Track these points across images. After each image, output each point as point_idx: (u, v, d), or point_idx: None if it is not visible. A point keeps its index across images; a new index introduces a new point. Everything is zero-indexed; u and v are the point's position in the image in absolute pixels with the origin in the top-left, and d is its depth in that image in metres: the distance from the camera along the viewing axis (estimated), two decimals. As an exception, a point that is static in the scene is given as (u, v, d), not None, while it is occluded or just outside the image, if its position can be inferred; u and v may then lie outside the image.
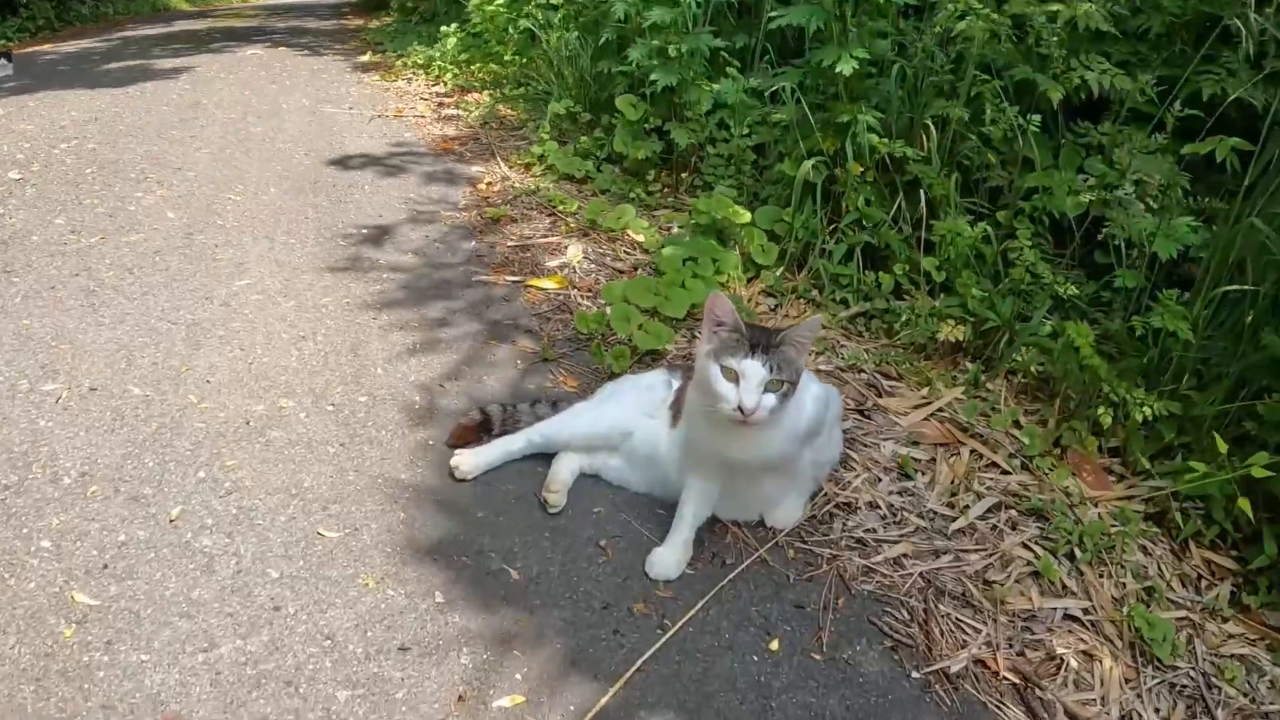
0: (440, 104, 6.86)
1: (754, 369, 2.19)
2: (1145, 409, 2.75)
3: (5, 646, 2.11)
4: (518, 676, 2.10)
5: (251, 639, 2.15)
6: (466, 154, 5.70)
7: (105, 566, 2.35)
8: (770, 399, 2.20)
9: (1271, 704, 2.26)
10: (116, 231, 4.21)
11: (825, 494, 2.69)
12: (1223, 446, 2.47)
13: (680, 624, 2.26)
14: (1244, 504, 2.46)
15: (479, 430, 2.89)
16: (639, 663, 2.16)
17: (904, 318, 3.36)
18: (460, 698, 2.03)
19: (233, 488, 2.66)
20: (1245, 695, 2.29)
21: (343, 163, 5.47)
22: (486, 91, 6.75)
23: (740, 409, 2.18)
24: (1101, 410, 2.83)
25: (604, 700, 2.05)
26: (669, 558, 2.46)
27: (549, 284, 3.77)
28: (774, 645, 2.25)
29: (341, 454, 2.77)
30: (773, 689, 2.12)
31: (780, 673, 2.17)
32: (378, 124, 6.40)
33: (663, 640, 2.22)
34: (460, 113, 6.55)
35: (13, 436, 2.80)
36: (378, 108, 6.81)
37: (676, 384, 2.74)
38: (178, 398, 3.04)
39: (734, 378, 2.19)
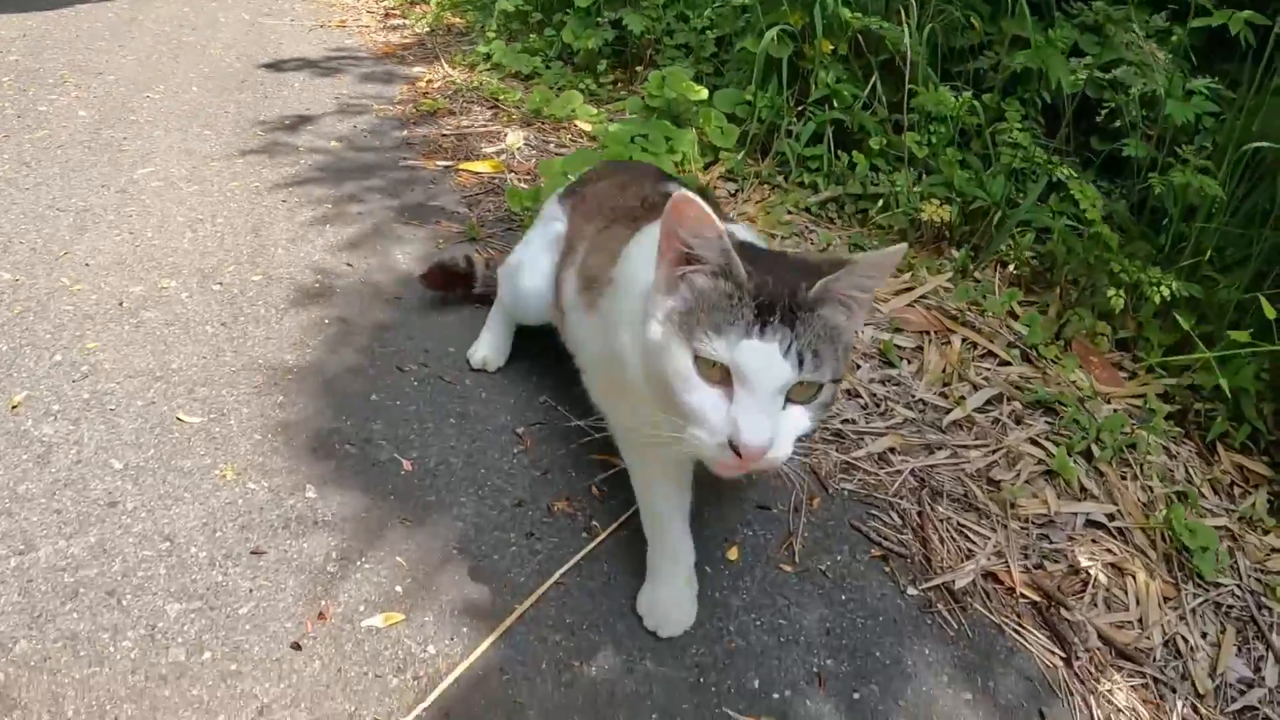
0: (387, 16, 6.20)
1: (767, 360, 1.10)
2: (1163, 289, 2.19)
3: None
4: (398, 589, 1.52)
5: (76, 540, 1.64)
6: (409, 58, 5.07)
7: None
8: (799, 419, 1.16)
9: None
10: (21, 130, 3.61)
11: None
12: (1270, 311, 1.91)
13: (612, 528, 1.69)
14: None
15: (457, 278, 2.37)
16: (558, 574, 1.59)
17: (882, 201, 2.75)
18: (321, 614, 1.45)
19: (89, 371, 2.13)
20: None
21: (275, 66, 4.84)
22: (435, 1, 6.07)
23: (734, 445, 1.11)
24: (1112, 294, 2.26)
25: (509, 620, 1.46)
26: (673, 608, 1.58)
27: (483, 168, 3.17)
28: (732, 554, 1.70)
29: (220, 334, 2.19)
30: (731, 608, 1.55)
31: (741, 587, 1.61)
32: (319, 33, 5.76)
33: (589, 547, 1.64)
34: (407, 22, 5.88)
35: None
36: (320, 19, 6.12)
37: (562, 228, 1.91)
38: (49, 281, 2.50)
39: (721, 377, 1.13)
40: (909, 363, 2.26)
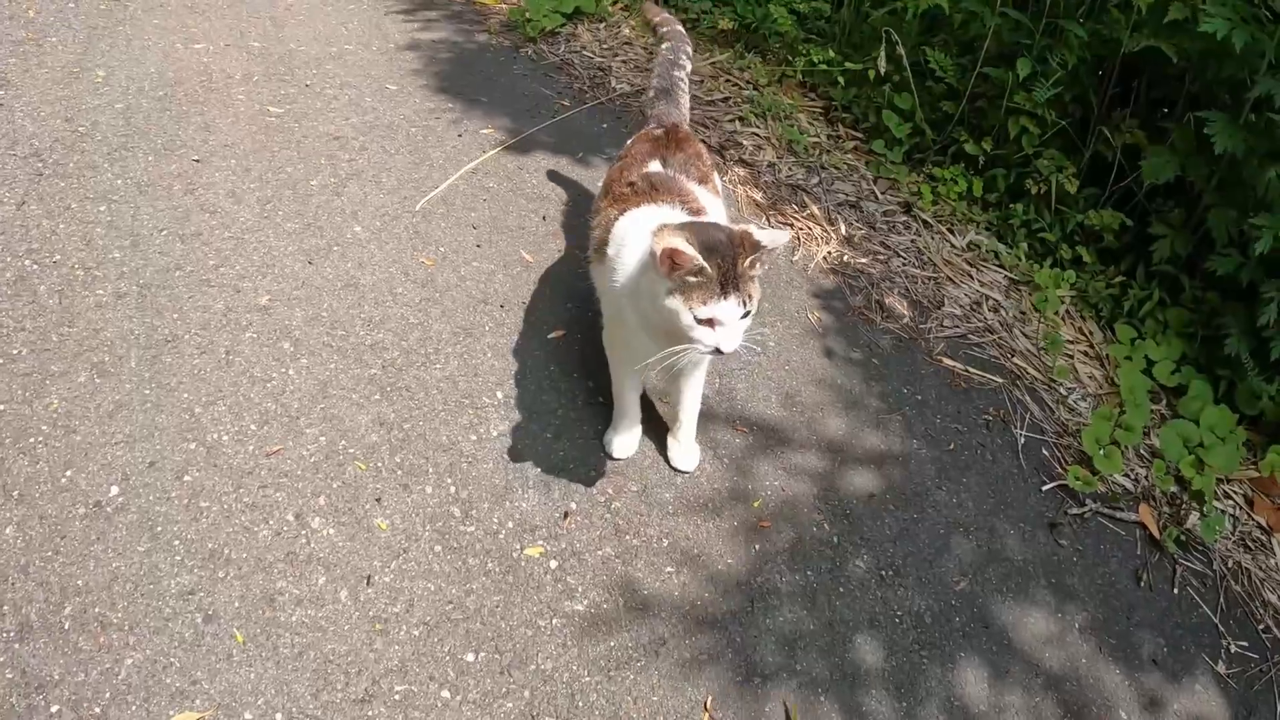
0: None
1: (732, 311, 2.04)
2: (815, 56, 5.25)
3: (228, 118, 4.53)
4: (490, 128, 4.65)
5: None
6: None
7: (284, 76, 4.74)
8: (745, 325, 2.09)
9: (864, 188, 4.68)
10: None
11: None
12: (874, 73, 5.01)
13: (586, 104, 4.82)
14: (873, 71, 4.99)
15: None
16: (549, 122, 4.72)
17: (693, 15, 5.79)
18: (456, 129, 4.57)
19: (333, 65, 4.99)
20: (846, 179, 4.71)
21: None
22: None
23: (719, 350, 2.07)
24: (795, 58, 5.31)
25: (523, 135, 4.61)
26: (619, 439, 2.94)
27: (489, 3, 6.19)
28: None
29: (380, 59, 5.17)
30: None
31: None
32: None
33: (563, 116, 4.78)
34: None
35: (191, 63, 5.01)
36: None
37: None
38: (281, 47, 5.10)
39: (709, 321, 2.04)
40: (701, 81, 5.37)
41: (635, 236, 2.32)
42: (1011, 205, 4.37)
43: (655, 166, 2.73)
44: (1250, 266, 3.67)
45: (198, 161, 3.85)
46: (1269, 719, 2.68)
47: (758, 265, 2.09)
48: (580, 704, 2.35)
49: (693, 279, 2.03)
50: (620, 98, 5.04)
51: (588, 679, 2.41)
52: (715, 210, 2.64)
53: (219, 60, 4.82)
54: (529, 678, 2.38)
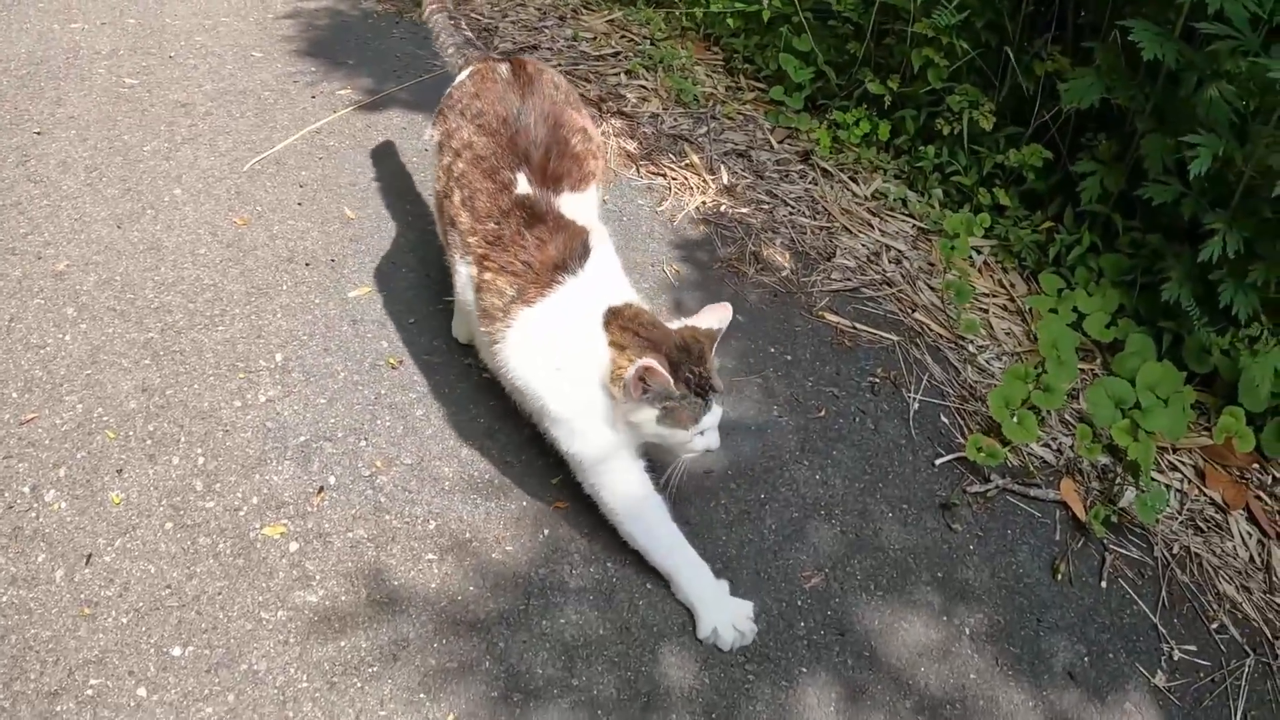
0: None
1: (716, 417, 2.02)
2: (715, 5, 4.66)
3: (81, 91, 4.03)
4: (351, 90, 4.06)
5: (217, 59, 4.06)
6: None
7: (151, 50, 4.26)
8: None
9: (758, 138, 4.10)
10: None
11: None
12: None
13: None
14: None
15: None
16: (398, 86, 4.12)
17: None
18: (316, 94, 3.99)
19: (204, 36, 4.48)
20: (740, 129, 4.16)
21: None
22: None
23: (709, 449, 2.06)
24: (698, 10, 4.74)
25: (378, 97, 4.02)
26: None
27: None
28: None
29: (254, 29, 4.67)
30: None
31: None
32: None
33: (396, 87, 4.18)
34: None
35: (63, 41, 4.61)
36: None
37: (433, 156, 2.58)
38: (157, 22, 4.68)
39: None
40: (589, 41, 4.81)
41: (577, 354, 2.07)
42: (922, 149, 3.71)
43: (523, 185, 2.23)
44: (1191, 198, 3.04)
45: (39, 134, 3.59)
46: (1222, 742, 2.21)
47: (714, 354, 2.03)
48: (290, 714, 1.94)
49: (684, 405, 1.94)
50: (500, 55, 4.41)
51: (305, 685, 2.00)
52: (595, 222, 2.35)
53: (90, 38, 4.44)
54: (237, 679, 2.00)
